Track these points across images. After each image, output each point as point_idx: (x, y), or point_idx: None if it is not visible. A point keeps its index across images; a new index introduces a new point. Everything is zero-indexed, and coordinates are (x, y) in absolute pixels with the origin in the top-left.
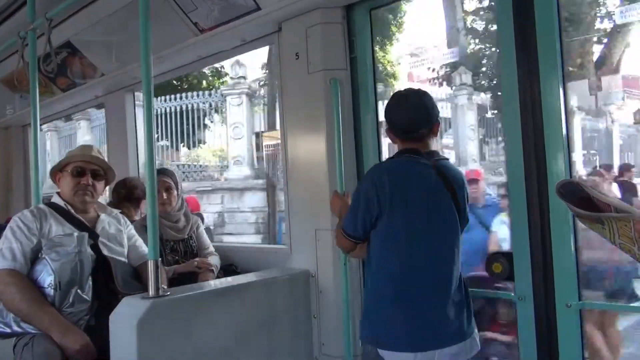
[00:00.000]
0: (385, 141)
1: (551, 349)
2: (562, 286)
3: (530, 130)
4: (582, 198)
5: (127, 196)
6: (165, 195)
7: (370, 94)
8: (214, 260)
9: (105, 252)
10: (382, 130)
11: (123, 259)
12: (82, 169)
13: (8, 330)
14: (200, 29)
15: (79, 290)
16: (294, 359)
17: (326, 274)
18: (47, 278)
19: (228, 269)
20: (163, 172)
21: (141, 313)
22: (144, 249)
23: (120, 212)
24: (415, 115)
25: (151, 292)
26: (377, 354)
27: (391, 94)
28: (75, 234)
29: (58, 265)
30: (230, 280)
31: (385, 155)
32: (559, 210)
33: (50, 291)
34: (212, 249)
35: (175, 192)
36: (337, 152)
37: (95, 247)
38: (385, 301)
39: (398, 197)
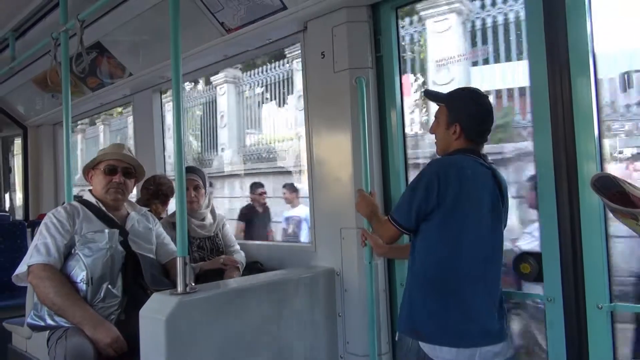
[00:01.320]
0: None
1: (581, 351)
2: (593, 287)
3: (561, 126)
4: (616, 192)
5: (155, 193)
6: (193, 194)
7: (397, 92)
8: (240, 258)
9: (134, 248)
10: (408, 129)
11: (152, 256)
12: (114, 167)
13: (42, 323)
14: (227, 29)
15: (109, 286)
16: (319, 357)
17: (351, 272)
18: (79, 273)
19: (253, 266)
20: (192, 170)
21: (170, 309)
22: (172, 246)
23: (149, 210)
24: (491, 117)
25: (180, 288)
26: (412, 347)
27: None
28: (107, 230)
29: (90, 260)
30: (256, 278)
31: (410, 153)
32: (590, 209)
33: (82, 286)
34: (237, 246)
35: (203, 191)
36: (363, 151)
37: (125, 244)
38: (433, 294)
39: (462, 194)
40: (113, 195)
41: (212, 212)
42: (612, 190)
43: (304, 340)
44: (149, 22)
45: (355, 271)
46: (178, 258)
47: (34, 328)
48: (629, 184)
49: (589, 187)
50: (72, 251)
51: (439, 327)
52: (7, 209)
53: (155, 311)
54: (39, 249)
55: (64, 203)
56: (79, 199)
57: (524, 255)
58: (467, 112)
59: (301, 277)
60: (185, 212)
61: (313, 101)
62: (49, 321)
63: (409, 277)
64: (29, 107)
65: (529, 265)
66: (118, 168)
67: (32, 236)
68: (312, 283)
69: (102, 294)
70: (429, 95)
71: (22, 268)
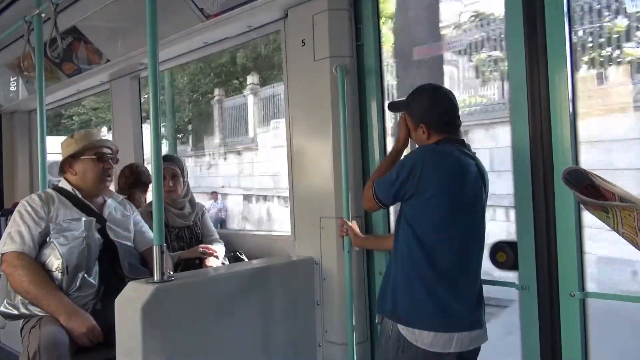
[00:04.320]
0: (390, 129)
1: (553, 338)
2: (566, 276)
3: (538, 116)
4: (588, 186)
5: (134, 182)
6: (171, 183)
7: (377, 81)
8: (219, 247)
9: (112, 236)
10: (388, 119)
11: (129, 244)
12: (103, 154)
13: (16, 312)
14: (206, 15)
15: (85, 275)
16: (297, 345)
17: (330, 261)
18: (54, 262)
19: (233, 255)
20: (169, 159)
21: (146, 297)
22: (150, 234)
23: (127, 198)
24: (454, 106)
25: (156, 277)
26: (393, 331)
27: None
28: (83, 218)
29: (66, 249)
30: (235, 266)
31: (390, 142)
32: (565, 199)
33: (57, 275)
34: (216, 235)
35: (182, 179)
36: (343, 140)
37: (102, 232)
38: (414, 279)
39: (445, 182)
40: (106, 182)
41: (191, 201)
42: (583, 183)
43: (282, 328)
44: (126, 8)
45: (334, 260)
46: (154, 246)
47: (7, 317)
48: (599, 177)
49: None
50: (47, 239)
51: (419, 312)
52: None
53: (131, 299)
54: (13, 237)
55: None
56: (54, 186)
57: (501, 244)
58: (425, 110)
59: (280, 265)
60: (162, 201)
61: (293, 89)
62: (23, 310)
63: (392, 262)
64: (2, 93)
65: (505, 253)
66: (106, 154)
67: (6, 224)
68: (291, 272)
69: (77, 283)
70: (392, 107)
71: None
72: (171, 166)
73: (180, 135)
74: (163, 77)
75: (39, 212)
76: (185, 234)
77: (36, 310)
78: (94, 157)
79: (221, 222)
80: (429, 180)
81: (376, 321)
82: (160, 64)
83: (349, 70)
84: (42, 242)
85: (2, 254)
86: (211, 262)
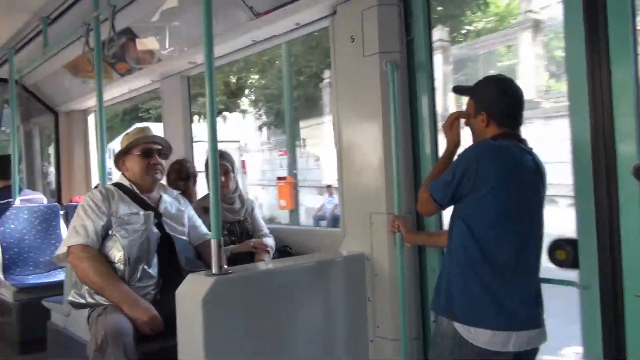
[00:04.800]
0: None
1: (618, 340)
2: (631, 276)
3: (599, 110)
4: None
5: (182, 177)
6: (223, 178)
7: (427, 76)
8: (269, 242)
9: (168, 230)
10: (439, 113)
11: (184, 238)
12: (150, 149)
13: (83, 301)
14: (256, 13)
15: (145, 266)
16: (349, 340)
17: (381, 257)
18: (116, 254)
19: (283, 250)
20: (221, 155)
21: (206, 289)
22: (203, 228)
23: (180, 193)
24: (518, 99)
25: (214, 269)
26: (448, 329)
27: None
28: (142, 212)
29: (127, 242)
30: (287, 261)
31: (441, 138)
32: (629, 195)
33: (120, 266)
34: (266, 230)
35: (232, 175)
36: (394, 136)
37: (159, 226)
38: (471, 276)
39: (502, 179)
40: (152, 176)
41: (240, 196)
42: None
43: (334, 323)
44: (178, 7)
45: (386, 256)
46: (212, 240)
47: (75, 305)
48: None
49: (629, 173)
50: (109, 232)
51: (475, 309)
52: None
53: (192, 291)
54: (78, 230)
55: (97, 186)
56: (114, 182)
57: (560, 242)
58: (491, 99)
59: (331, 261)
60: (219, 196)
61: (342, 86)
62: (89, 299)
63: (447, 259)
64: (60, 93)
65: (564, 251)
66: (153, 150)
67: (66, 219)
68: (341, 267)
69: (138, 275)
70: (457, 90)
71: (62, 249)
72: (223, 162)
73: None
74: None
75: (100, 206)
76: (236, 229)
77: (101, 300)
78: (139, 152)
79: (337, 219)
80: (485, 177)
81: (431, 319)
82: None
83: (399, 65)
84: (105, 235)
85: (69, 247)
86: (263, 256)
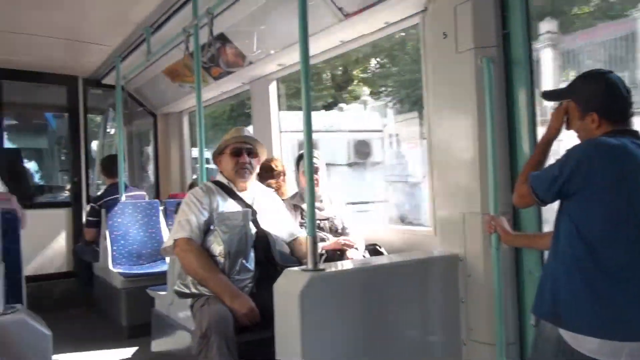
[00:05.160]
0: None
1: None
2: None
3: None
4: None
5: (271, 175)
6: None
7: (526, 71)
8: (359, 240)
9: (263, 226)
10: (538, 111)
11: (277, 234)
12: (239, 149)
13: (187, 290)
14: (345, 14)
15: (243, 260)
16: (441, 341)
17: (475, 258)
18: (217, 248)
19: (372, 248)
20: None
21: (302, 285)
22: (295, 225)
23: (273, 190)
24: (629, 91)
25: (310, 265)
26: (552, 334)
27: None
28: (241, 209)
29: (227, 237)
30: (378, 260)
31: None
32: None
33: (220, 259)
34: (355, 229)
35: (321, 173)
36: (490, 133)
37: (254, 222)
38: (580, 279)
39: (613, 177)
40: (241, 174)
41: (330, 194)
42: None
43: (426, 323)
44: (267, 11)
45: (480, 257)
46: (308, 237)
47: (180, 295)
48: None
49: None
50: (211, 227)
51: (584, 315)
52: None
53: (289, 286)
54: (183, 225)
55: (192, 183)
56: (213, 180)
57: None
58: (598, 97)
59: (423, 260)
60: (314, 194)
61: (434, 83)
62: (193, 289)
63: (552, 260)
64: (158, 96)
65: None
66: (242, 149)
67: (165, 214)
68: (434, 267)
69: (237, 268)
70: (549, 96)
71: (168, 242)
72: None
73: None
74: None
75: (202, 202)
76: (325, 226)
77: (204, 290)
78: (230, 152)
79: None
80: (598, 176)
81: (531, 323)
82: (295, 64)
83: (494, 60)
84: (206, 230)
85: (175, 240)
86: (352, 254)
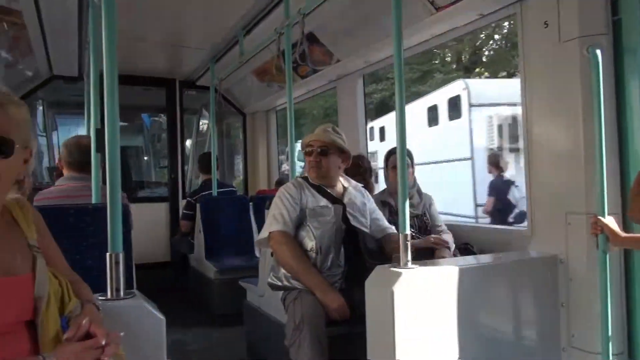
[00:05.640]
0: None
1: None
2: None
3: None
4: None
5: (358, 172)
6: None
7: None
8: (448, 238)
9: (352, 222)
10: None
11: (366, 230)
12: (311, 148)
13: (279, 283)
14: (437, 7)
15: (334, 256)
16: (539, 346)
17: (578, 260)
18: (308, 243)
19: (464, 247)
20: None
21: (396, 282)
22: (384, 222)
23: (363, 186)
24: None
25: (402, 263)
26: None
27: None
28: (331, 205)
29: (319, 232)
30: (470, 259)
31: None
32: None
33: (312, 254)
34: (444, 227)
35: (411, 170)
36: (597, 128)
37: (344, 218)
38: None
39: None
40: (311, 173)
41: (419, 191)
42: None
43: (522, 326)
44: (357, 7)
45: (584, 260)
46: (400, 234)
47: (273, 287)
48: None
49: None
50: (303, 223)
51: None
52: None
53: (382, 283)
54: (277, 218)
55: (279, 181)
56: (302, 176)
57: None
58: None
59: (519, 261)
60: (407, 190)
61: (533, 76)
62: (285, 282)
63: None
64: (247, 96)
65: None
66: (314, 148)
67: (254, 210)
68: (530, 269)
69: (328, 263)
70: None
71: (263, 234)
72: None
73: None
74: None
75: (295, 197)
76: (415, 223)
77: (297, 284)
78: (304, 151)
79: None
80: None
81: None
82: (387, 59)
83: (603, 50)
84: (298, 225)
85: (270, 232)
86: (443, 252)
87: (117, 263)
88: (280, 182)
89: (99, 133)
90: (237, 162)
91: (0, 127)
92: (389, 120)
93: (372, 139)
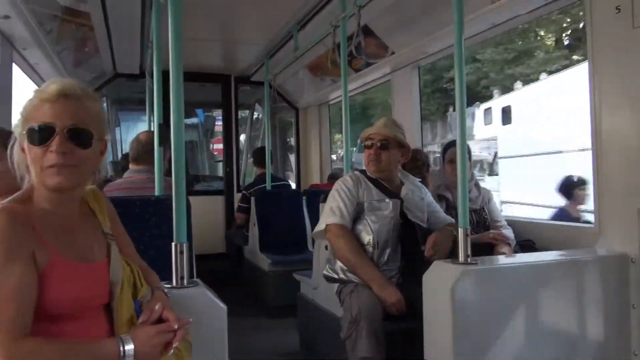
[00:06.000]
0: None
1: None
2: None
3: None
4: None
5: (414, 167)
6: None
7: None
8: (508, 234)
9: (410, 217)
10: None
11: (424, 226)
12: (371, 141)
13: (335, 276)
14: None
15: (391, 251)
16: (607, 349)
17: None
18: (365, 237)
19: (525, 244)
20: (455, 143)
21: (454, 278)
22: (443, 215)
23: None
24: None
25: (461, 258)
26: None
27: None
28: (389, 199)
29: (377, 227)
30: (534, 257)
31: None
32: None
33: (369, 249)
34: (504, 222)
35: (469, 163)
36: None
37: (401, 213)
38: None
39: None
40: (371, 166)
41: (477, 185)
42: None
43: (587, 329)
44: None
45: None
46: (460, 229)
47: (329, 279)
48: None
49: None
50: (361, 216)
51: None
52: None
53: (440, 278)
54: (334, 211)
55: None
56: (359, 169)
57: None
58: None
59: (585, 260)
60: (467, 184)
61: (603, 65)
62: (341, 275)
63: None
64: (300, 90)
65: None
66: (374, 142)
67: (307, 204)
68: (597, 268)
69: (385, 258)
70: None
71: (320, 226)
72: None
73: None
74: None
75: (351, 191)
76: (473, 218)
77: (353, 277)
78: (363, 144)
79: None
80: None
81: None
82: (444, 50)
83: None
84: (355, 219)
85: (327, 225)
86: (503, 248)
87: (181, 252)
88: (333, 177)
89: (162, 128)
90: (289, 156)
91: (79, 119)
92: (516, 99)
93: (488, 122)
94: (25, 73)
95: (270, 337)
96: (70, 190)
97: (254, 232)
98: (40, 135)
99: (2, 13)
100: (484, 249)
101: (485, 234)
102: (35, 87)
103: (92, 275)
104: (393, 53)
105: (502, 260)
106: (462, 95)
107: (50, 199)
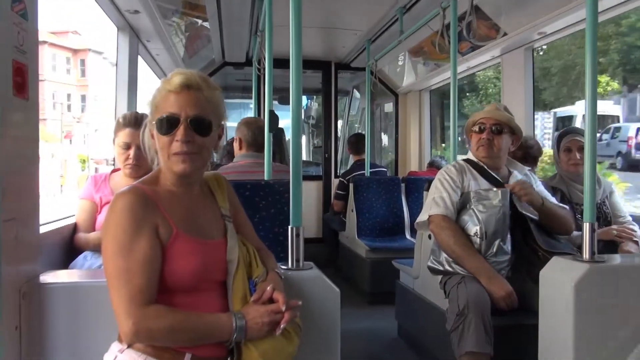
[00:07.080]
0: None
1: None
2: None
3: None
4: None
5: (524, 155)
6: (578, 155)
7: None
8: (635, 230)
9: (520, 208)
10: None
11: (536, 218)
12: (483, 125)
13: (440, 268)
14: None
15: (501, 242)
16: None
17: None
18: (472, 227)
19: None
20: (575, 131)
21: (578, 276)
22: (557, 205)
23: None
24: None
25: (586, 255)
26: None
27: None
28: (497, 189)
29: (484, 216)
30: None
31: None
32: None
33: (476, 240)
34: (629, 217)
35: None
36: None
37: (510, 203)
38: None
39: None
40: (481, 152)
41: (597, 176)
42: None
43: None
44: None
45: None
46: (586, 223)
47: (433, 271)
48: None
49: None
50: (467, 206)
51: None
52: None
53: (560, 275)
54: (437, 202)
55: (432, 163)
56: (465, 158)
57: None
58: None
59: None
60: (595, 175)
61: None
62: (447, 267)
63: None
64: (400, 76)
65: None
66: (486, 126)
67: (405, 191)
68: None
69: (494, 249)
70: None
71: (422, 217)
72: (576, 138)
73: None
74: None
75: (455, 180)
76: None
77: (459, 269)
78: (475, 129)
79: None
80: None
81: None
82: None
83: None
84: (460, 209)
85: (430, 216)
86: (628, 246)
87: (297, 236)
88: (432, 164)
89: (272, 114)
90: (386, 142)
91: (201, 109)
92: None
93: None
94: (147, 63)
95: (368, 324)
96: (193, 174)
97: (351, 217)
98: (167, 125)
99: (133, 8)
100: (605, 246)
101: (607, 229)
102: (155, 77)
103: (211, 252)
104: (505, 34)
105: (632, 259)
106: (593, 78)
107: (174, 181)
